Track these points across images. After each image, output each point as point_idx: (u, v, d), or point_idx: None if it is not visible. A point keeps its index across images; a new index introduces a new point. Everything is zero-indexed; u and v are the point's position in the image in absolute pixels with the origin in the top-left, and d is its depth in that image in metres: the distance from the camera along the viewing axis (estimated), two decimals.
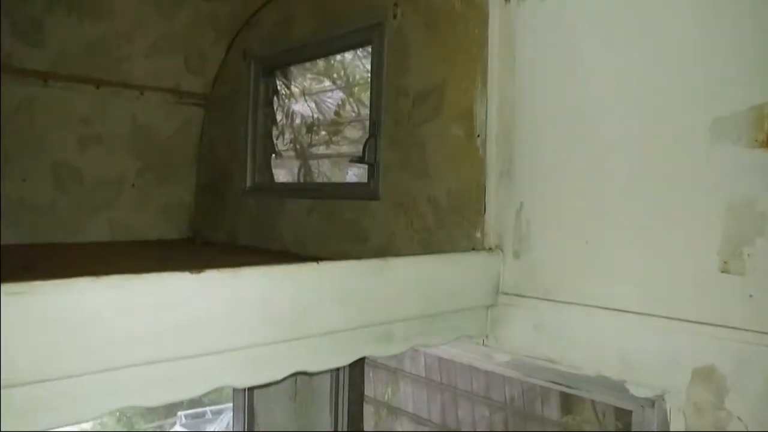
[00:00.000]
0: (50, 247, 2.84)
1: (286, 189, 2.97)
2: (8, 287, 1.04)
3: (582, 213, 1.77)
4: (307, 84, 3.24)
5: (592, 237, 1.74)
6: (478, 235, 1.99)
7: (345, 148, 3.03)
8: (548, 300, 1.83)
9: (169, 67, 3.23)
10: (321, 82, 3.23)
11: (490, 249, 1.95)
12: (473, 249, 1.98)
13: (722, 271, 1.49)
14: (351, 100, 3.08)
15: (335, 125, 3.05)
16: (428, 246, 2.17)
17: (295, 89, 3.21)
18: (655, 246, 1.62)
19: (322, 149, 3.13)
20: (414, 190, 2.25)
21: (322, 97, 3.18)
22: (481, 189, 2.00)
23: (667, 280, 1.59)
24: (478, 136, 2.03)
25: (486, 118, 2.02)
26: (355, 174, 3.07)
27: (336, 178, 3.13)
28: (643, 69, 1.68)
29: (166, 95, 3.30)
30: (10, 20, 2.70)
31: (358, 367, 3.07)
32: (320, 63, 3.18)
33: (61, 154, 3.00)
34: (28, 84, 2.85)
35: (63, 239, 2.99)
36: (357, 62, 3.10)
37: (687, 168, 1.59)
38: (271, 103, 3.17)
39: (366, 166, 2.51)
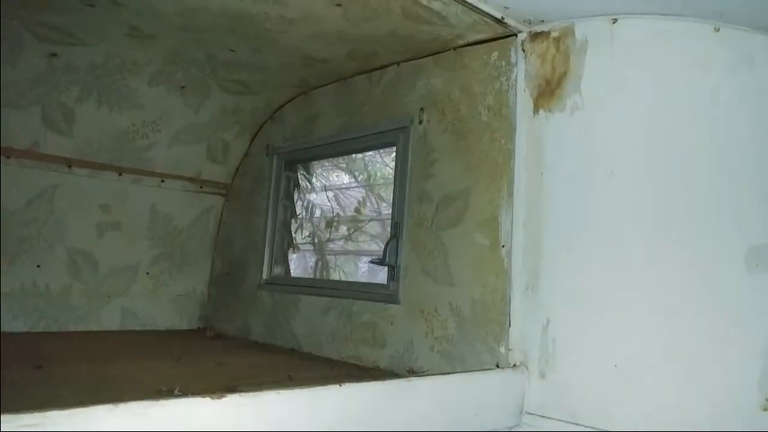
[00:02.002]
0: (60, 336, 2.77)
1: (303, 285, 2.92)
2: (20, 418, 0.98)
3: (611, 335, 1.72)
4: (327, 178, 3.25)
5: (622, 361, 1.68)
6: (502, 350, 1.93)
7: (364, 244, 3.01)
8: (575, 424, 1.75)
9: (191, 156, 3.27)
10: (342, 177, 3.25)
11: (515, 366, 1.88)
12: (497, 365, 1.91)
13: (764, 410, 1.42)
14: (372, 196, 3.09)
15: (355, 221, 3.04)
16: (449, 357, 2.10)
17: (316, 183, 3.22)
18: (690, 377, 1.55)
19: (340, 244, 3.11)
20: (435, 296, 2.20)
21: (343, 193, 3.19)
22: (506, 301, 1.96)
23: (705, 415, 1.51)
24: (503, 246, 2.01)
25: (512, 228, 2.00)
26: (367, 268, 3.02)
27: (353, 273, 3.09)
28: (676, 189, 1.67)
29: (187, 183, 3.32)
30: (42, 109, 2.75)
31: None
32: (342, 159, 3.20)
33: (78, 240, 2.98)
34: (52, 170, 2.88)
35: (74, 327, 2.93)
36: (378, 159, 3.12)
37: (723, 295, 1.55)
38: (292, 196, 3.17)
39: (386, 268, 2.47)
